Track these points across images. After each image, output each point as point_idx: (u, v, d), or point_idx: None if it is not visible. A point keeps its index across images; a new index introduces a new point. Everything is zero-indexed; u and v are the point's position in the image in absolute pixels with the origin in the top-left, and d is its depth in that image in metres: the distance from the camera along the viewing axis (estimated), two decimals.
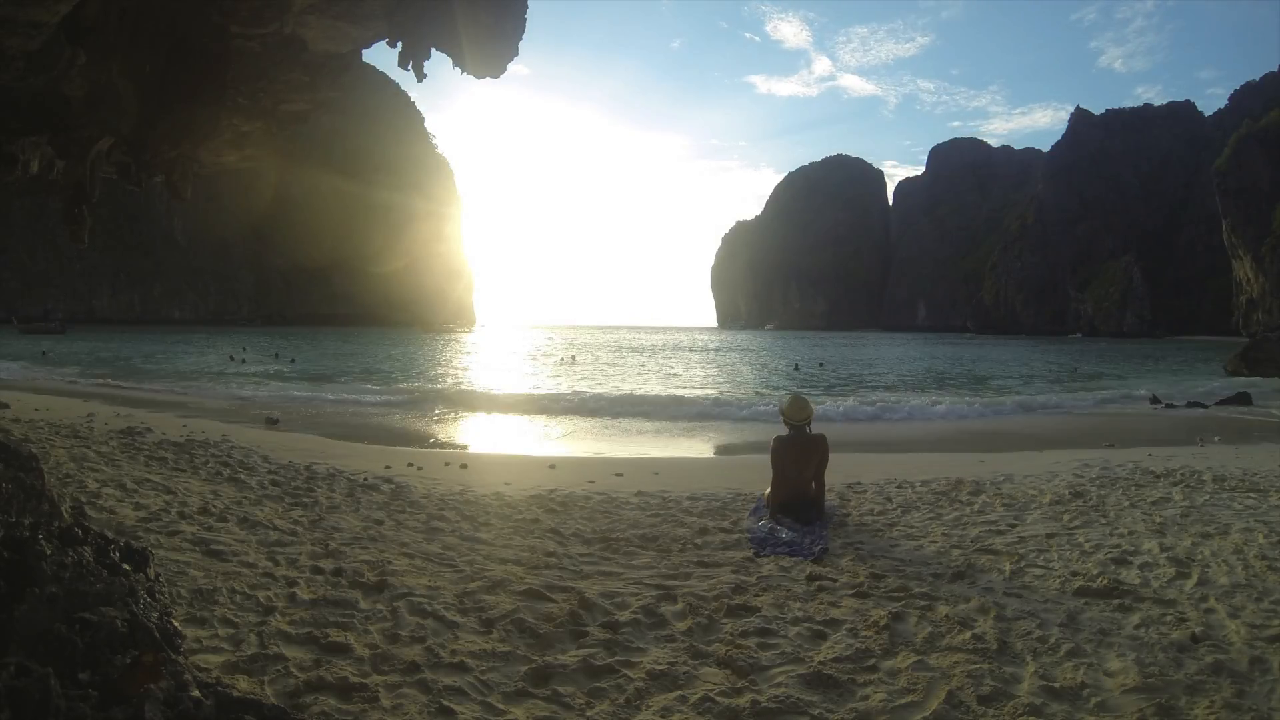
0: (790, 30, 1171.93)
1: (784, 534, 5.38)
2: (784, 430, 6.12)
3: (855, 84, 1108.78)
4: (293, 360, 34.27)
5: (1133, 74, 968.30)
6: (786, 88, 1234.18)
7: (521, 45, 5.69)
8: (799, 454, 5.93)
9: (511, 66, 5.83)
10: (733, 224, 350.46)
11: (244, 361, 33.32)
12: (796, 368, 40.93)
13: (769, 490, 6.03)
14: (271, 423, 13.44)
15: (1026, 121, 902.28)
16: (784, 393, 7.08)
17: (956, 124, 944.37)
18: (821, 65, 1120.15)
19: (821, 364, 43.60)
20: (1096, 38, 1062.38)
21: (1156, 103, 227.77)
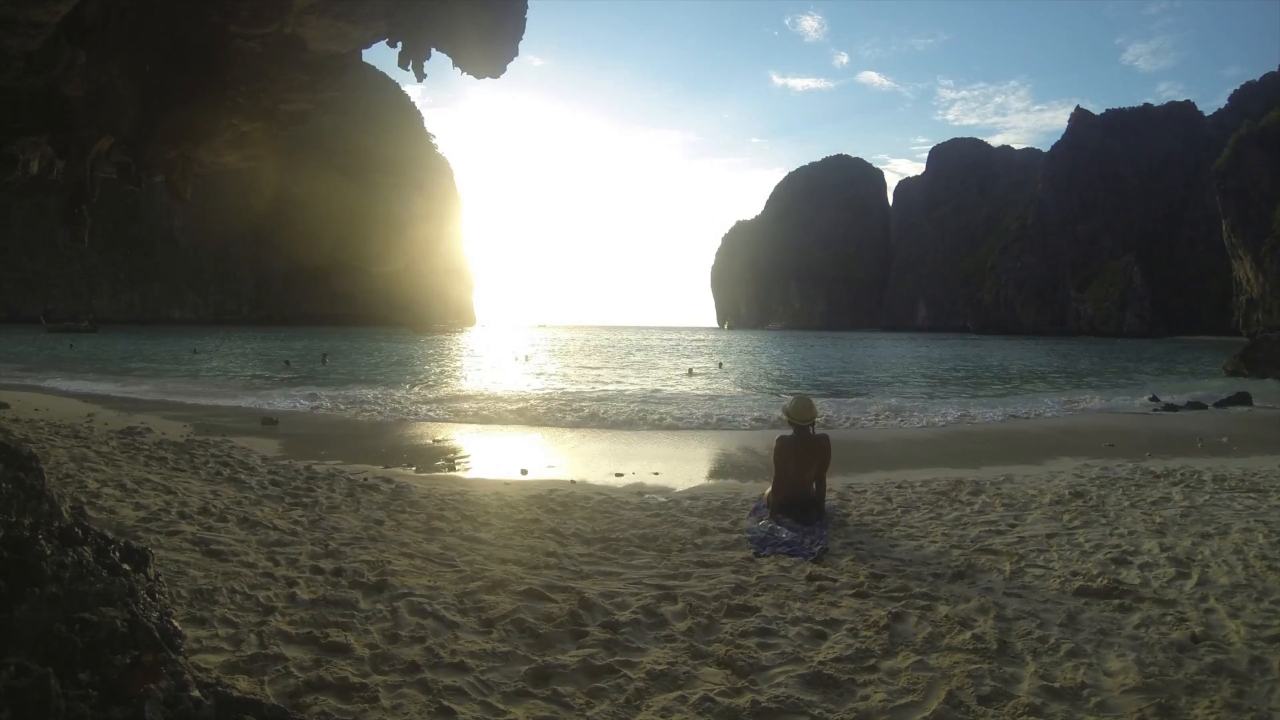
0: (810, 24, 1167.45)
1: (784, 534, 5.38)
2: (788, 430, 6.13)
3: (874, 79, 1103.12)
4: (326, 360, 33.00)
5: (1156, 71, 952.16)
6: (803, 83, 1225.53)
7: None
8: (801, 454, 5.94)
9: (523, 58, 5.88)
10: (733, 224, 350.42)
11: (289, 365, 32.35)
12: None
13: (769, 490, 6.04)
14: (269, 423, 13.44)
15: (1048, 119, 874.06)
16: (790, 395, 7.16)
17: (974, 120, 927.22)
18: (840, 60, 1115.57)
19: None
20: (1121, 34, 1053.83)
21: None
